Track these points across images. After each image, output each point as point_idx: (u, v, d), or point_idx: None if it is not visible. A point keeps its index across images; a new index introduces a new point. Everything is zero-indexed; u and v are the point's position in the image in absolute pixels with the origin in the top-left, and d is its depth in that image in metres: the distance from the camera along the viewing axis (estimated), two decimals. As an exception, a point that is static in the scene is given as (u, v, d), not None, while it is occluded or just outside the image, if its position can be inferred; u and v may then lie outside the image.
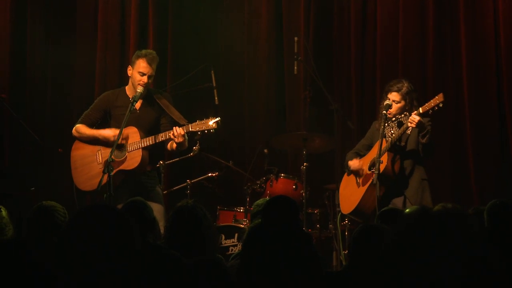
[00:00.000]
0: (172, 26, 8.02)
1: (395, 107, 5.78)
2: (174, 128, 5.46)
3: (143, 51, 5.80)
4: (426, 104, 5.48)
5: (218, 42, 8.06)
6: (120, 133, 5.31)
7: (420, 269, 1.82)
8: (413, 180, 5.74)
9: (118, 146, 5.55)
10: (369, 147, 6.08)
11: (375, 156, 5.54)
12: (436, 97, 5.45)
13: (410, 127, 5.58)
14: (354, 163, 5.98)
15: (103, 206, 2.26)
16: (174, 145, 5.54)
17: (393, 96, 5.80)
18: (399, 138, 5.72)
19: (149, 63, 5.67)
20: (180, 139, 5.44)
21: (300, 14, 7.73)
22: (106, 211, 2.23)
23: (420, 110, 5.48)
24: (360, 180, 5.96)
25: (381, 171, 5.55)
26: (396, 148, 5.72)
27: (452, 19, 7.36)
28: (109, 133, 5.67)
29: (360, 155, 6.10)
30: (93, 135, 5.76)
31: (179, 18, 8.05)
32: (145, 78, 5.65)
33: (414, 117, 5.47)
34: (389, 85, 5.88)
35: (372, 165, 5.72)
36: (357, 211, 5.84)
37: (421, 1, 7.42)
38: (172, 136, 5.45)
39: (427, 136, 5.62)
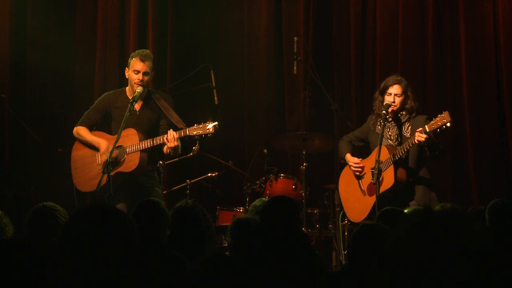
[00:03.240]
0: (172, 26, 8.02)
1: (397, 100, 5.77)
2: (169, 131, 5.46)
3: (136, 51, 5.85)
4: (433, 122, 5.38)
5: (218, 42, 8.06)
6: (119, 134, 5.31)
7: (421, 268, 1.82)
8: (419, 185, 5.72)
9: (117, 147, 5.55)
10: (361, 140, 6.10)
11: (375, 164, 5.51)
12: (442, 115, 5.34)
13: (414, 142, 5.49)
14: (354, 165, 5.96)
15: (103, 206, 2.27)
16: (168, 150, 5.54)
17: (395, 89, 5.79)
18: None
19: (142, 60, 5.69)
20: (174, 144, 5.43)
21: (300, 14, 7.74)
22: (105, 211, 2.23)
23: (427, 128, 5.38)
24: (364, 188, 5.94)
25: (389, 187, 5.57)
26: (399, 161, 5.69)
27: (452, 19, 7.36)
28: (103, 145, 5.67)
29: (353, 145, 6.11)
30: (91, 143, 5.78)
31: (179, 18, 8.05)
32: (140, 76, 5.66)
33: (421, 136, 5.39)
34: (386, 81, 5.89)
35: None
36: (367, 220, 5.80)
37: (421, 1, 7.42)
38: (165, 140, 5.45)
39: (437, 148, 5.59)
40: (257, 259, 2.41)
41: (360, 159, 5.98)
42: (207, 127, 5.40)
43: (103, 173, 5.07)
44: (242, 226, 3.94)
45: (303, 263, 2.53)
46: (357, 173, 5.96)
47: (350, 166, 6.01)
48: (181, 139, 5.50)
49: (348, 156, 6.03)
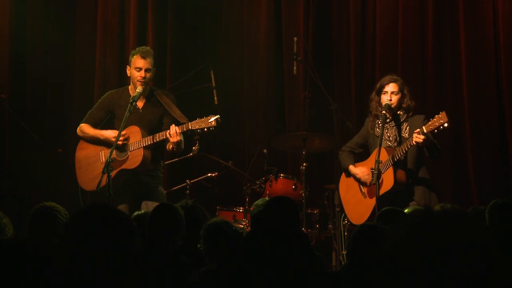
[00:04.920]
0: (172, 26, 8.02)
1: (394, 98, 5.78)
2: (171, 126, 5.47)
3: (137, 48, 5.88)
4: (430, 122, 5.36)
5: (218, 42, 8.06)
6: (120, 133, 5.32)
7: (421, 269, 1.82)
8: (418, 185, 5.71)
9: (120, 145, 5.56)
10: (362, 145, 6.09)
11: (375, 164, 5.50)
12: (440, 115, 5.32)
13: (412, 143, 5.48)
14: (361, 174, 5.93)
15: (102, 206, 2.27)
16: (171, 145, 5.54)
17: (392, 87, 5.80)
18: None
19: (143, 57, 5.71)
20: (177, 138, 5.44)
21: (300, 14, 7.74)
22: (105, 211, 2.23)
23: (424, 129, 5.36)
24: (365, 190, 5.94)
25: (388, 189, 5.56)
26: (398, 162, 5.67)
27: (451, 20, 7.36)
28: (110, 134, 5.69)
29: (354, 153, 6.10)
30: (95, 135, 5.79)
31: (179, 18, 8.05)
32: (142, 73, 5.67)
33: (419, 137, 5.38)
34: (382, 80, 5.90)
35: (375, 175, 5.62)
36: (369, 221, 5.78)
37: (421, 2, 7.42)
38: (168, 136, 5.45)
39: (435, 149, 5.59)
40: (255, 260, 2.41)
41: (365, 167, 5.96)
42: (209, 121, 5.41)
43: (103, 173, 5.07)
44: (215, 231, 3.89)
45: (303, 263, 2.53)
46: (368, 181, 5.90)
47: (357, 177, 5.97)
48: (183, 133, 5.52)
49: (352, 168, 6.00)
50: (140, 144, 5.56)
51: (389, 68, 7.24)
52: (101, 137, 5.74)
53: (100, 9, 8.01)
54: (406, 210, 4.68)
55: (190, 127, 5.46)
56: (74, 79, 8.02)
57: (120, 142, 5.49)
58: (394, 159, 5.60)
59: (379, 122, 5.77)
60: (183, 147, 5.63)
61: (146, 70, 5.70)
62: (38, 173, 7.46)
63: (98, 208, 2.25)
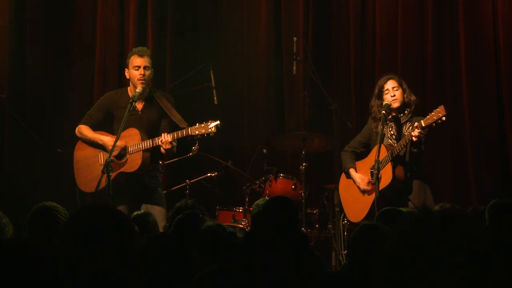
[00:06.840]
0: (171, 26, 8.02)
1: (397, 93, 5.77)
2: (162, 134, 5.47)
3: (132, 49, 5.90)
4: (428, 116, 5.38)
5: (218, 42, 8.06)
6: (119, 134, 5.31)
7: (421, 268, 1.83)
8: (414, 183, 5.72)
9: (117, 154, 5.56)
10: (365, 144, 6.08)
11: (375, 164, 5.50)
12: (438, 109, 5.35)
13: (411, 138, 5.49)
14: (360, 182, 5.93)
15: (101, 206, 2.27)
16: (163, 150, 5.55)
17: (391, 83, 5.82)
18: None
19: (140, 55, 5.70)
20: (167, 146, 5.45)
21: (299, 14, 7.74)
22: (105, 211, 2.23)
23: (422, 123, 5.39)
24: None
25: (386, 185, 5.56)
26: (397, 158, 5.68)
27: (451, 20, 7.36)
28: (109, 140, 5.65)
29: (356, 153, 6.09)
30: (94, 139, 5.76)
31: (179, 18, 8.05)
32: (141, 70, 5.66)
33: (417, 131, 5.39)
34: (379, 82, 5.92)
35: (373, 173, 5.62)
36: (366, 219, 5.79)
37: (420, 1, 7.42)
38: (160, 143, 5.46)
39: (420, 146, 5.61)
40: (255, 260, 2.41)
41: (365, 174, 5.91)
42: (209, 127, 5.40)
43: (103, 173, 5.06)
44: (211, 235, 3.86)
45: (303, 264, 2.53)
46: (366, 189, 5.90)
47: (356, 184, 5.96)
48: (183, 138, 5.52)
49: (352, 172, 5.99)
50: (139, 147, 5.56)
51: (389, 68, 7.23)
52: (100, 142, 5.73)
53: (100, 9, 8.01)
54: (405, 210, 4.67)
55: (190, 133, 5.45)
56: (74, 79, 8.02)
57: (116, 152, 5.48)
58: (393, 154, 5.61)
59: (381, 123, 5.76)
60: (175, 150, 5.65)
61: (145, 68, 5.69)
62: (38, 173, 7.46)
63: (97, 208, 2.25)
